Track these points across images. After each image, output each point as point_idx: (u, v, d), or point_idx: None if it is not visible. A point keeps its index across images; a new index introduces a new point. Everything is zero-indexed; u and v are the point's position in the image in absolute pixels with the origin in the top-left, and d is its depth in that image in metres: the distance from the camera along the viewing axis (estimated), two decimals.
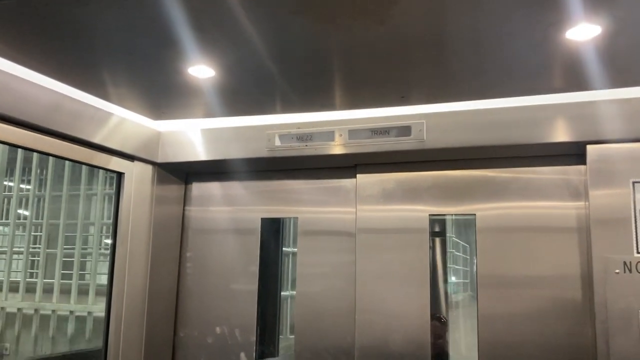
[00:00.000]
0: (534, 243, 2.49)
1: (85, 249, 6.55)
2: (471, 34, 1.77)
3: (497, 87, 2.27)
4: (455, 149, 2.48)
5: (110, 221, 2.84)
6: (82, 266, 6.55)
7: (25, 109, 2.19)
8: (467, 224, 2.70)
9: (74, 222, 6.48)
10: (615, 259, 2.21)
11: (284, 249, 3.21)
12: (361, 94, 2.41)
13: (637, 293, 2.16)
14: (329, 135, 2.63)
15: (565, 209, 2.47)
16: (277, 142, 2.71)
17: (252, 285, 2.96)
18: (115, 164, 2.72)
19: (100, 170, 2.93)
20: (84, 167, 5.92)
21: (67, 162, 6.21)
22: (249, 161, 2.84)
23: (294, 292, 2.92)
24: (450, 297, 2.77)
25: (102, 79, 2.28)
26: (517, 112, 2.38)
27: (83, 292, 6.45)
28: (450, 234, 2.82)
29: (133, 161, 2.81)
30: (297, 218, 2.95)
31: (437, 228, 2.75)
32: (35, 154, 6.14)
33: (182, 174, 3.14)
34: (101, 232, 6.56)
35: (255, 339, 2.91)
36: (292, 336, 2.90)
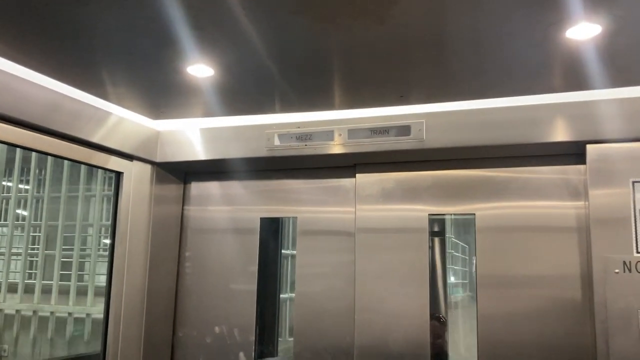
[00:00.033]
0: (534, 243, 2.49)
1: (84, 249, 6.54)
2: (471, 33, 1.77)
3: (497, 87, 2.27)
4: (454, 148, 2.48)
5: (109, 222, 2.83)
6: (81, 267, 6.54)
7: (24, 108, 2.19)
8: (466, 224, 2.70)
9: (73, 223, 6.47)
10: (614, 258, 2.21)
11: (283, 251, 3.20)
12: (361, 94, 2.41)
13: (637, 293, 2.16)
14: (329, 135, 2.63)
15: (565, 208, 2.47)
16: (277, 142, 2.70)
17: (251, 285, 2.95)
18: (114, 163, 2.71)
19: (99, 171, 2.92)
20: (82, 168, 5.91)
21: (65, 163, 6.21)
22: (248, 161, 2.84)
23: (293, 295, 2.91)
24: (450, 296, 2.77)
25: (101, 78, 2.28)
26: (517, 112, 2.38)
27: (82, 293, 6.45)
28: (449, 233, 2.82)
29: (132, 161, 2.80)
30: (296, 218, 2.94)
31: (437, 228, 2.75)
32: (33, 154, 6.13)
33: (181, 173, 3.14)
34: (100, 232, 6.55)
35: (254, 338, 2.90)
36: (291, 339, 2.90)
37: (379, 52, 1.93)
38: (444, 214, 2.74)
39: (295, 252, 2.94)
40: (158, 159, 2.91)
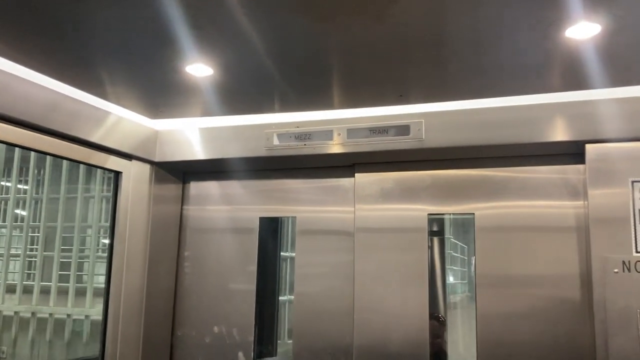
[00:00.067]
0: (533, 242, 2.49)
1: (83, 250, 6.53)
2: (470, 33, 1.77)
3: (497, 86, 2.27)
4: (454, 148, 2.48)
5: (108, 224, 2.82)
6: (80, 268, 6.53)
7: (23, 108, 2.19)
8: (465, 224, 2.70)
9: (71, 224, 6.46)
10: (614, 258, 2.21)
11: (282, 253, 3.20)
12: (360, 93, 2.41)
13: (636, 292, 2.16)
14: (328, 135, 2.63)
15: (564, 208, 2.47)
16: (276, 141, 2.70)
17: (250, 285, 2.95)
18: (113, 163, 2.71)
19: (98, 171, 2.92)
20: (81, 168, 5.90)
21: (64, 164, 6.21)
22: (247, 160, 2.83)
23: (292, 297, 2.91)
24: (449, 296, 2.76)
25: (100, 77, 2.28)
26: (517, 112, 2.38)
27: (81, 294, 6.43)
28: (448, 234, 2.82)
29: (131, 160, 2.80)
30: (295, 217, 2.94)
31: (436, 227, 2.75)
32: (32, 154, 6.12)
33: (179, 173, 3.13)
34: (99, 233, 6.54)
35: (253, 338, 2.90)
36: (290, 341, 2.90)
37: (378, 52, 1.92)
38: (443, 214, 2.74)
39: (294, 254, 2.94)
40: (157, 159, 2.91)
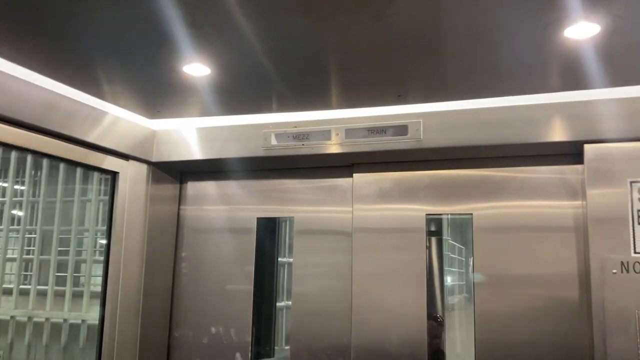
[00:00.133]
0: (531, 243, 2.49)
1: (80, 252, 6.51)
2: (469, 32, 1.76)
3: (495, 86, 2.27)
4: (452, 148, 2.48)
5: (105, 227, 2.81)
6: (77, 270, 6.51)
7: (19, 107, 2.17)
8: (464, 224, 2.69)
9: (68, 228, 6.44)
10: (612, 258, 2.20)
11: (279, 259, 3.18)
12: (358, 93, 2.40)
13: (635, 293, 2.16)
14: (326, 135, 2.62)
15: (563, 208, 2.47)
16: (274, 141, 2.69)
17: (247, 285, 2.94)
18: (110, 163, 2.70)
19: (95, 175, 2.91)
20: (78, 172, 5.87)
21: (60, 168, 6.17)
22: (245, 160, 2.83)
23: (289, 303, 2.90)
24: (447, 296, 2.76)
25: (97, 77, 2.27)
26: (515, 112, 2.37)
27: (78, 297, 6.41)
28: (446, 234, 2.81)
29: (128, 160, 2.79)
30: (293, 218, 2.93)
31: (434, 227, 2.74)
32: (29, 157, 6.09)
33: (177, 173, 3.12)
34: (96, 236, 6.52)
35: (250, 339, 2.89)
36: (288, 347, 2.89)
37: (377, 52, 1.92)
38: (441, 214, 2.73)
39: (291, 260, 2.93)
40: (154, 159, 2.90)
